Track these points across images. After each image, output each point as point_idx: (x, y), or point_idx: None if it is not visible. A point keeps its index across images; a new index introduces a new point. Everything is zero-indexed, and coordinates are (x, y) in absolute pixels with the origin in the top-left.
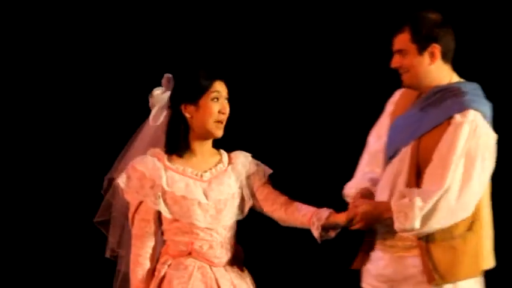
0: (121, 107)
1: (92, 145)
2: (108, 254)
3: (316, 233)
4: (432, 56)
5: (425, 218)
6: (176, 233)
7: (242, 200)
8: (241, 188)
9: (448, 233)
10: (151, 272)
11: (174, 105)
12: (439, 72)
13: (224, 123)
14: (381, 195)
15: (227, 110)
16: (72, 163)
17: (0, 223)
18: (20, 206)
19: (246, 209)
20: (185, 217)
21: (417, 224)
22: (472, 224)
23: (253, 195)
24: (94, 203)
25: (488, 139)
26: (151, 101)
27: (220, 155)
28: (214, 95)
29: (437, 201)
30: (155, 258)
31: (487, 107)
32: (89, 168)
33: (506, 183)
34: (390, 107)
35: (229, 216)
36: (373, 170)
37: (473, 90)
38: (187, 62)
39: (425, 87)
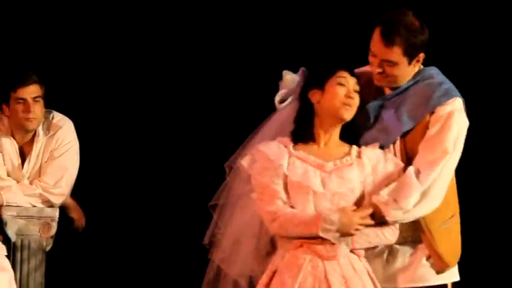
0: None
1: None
2: (207, 240)
3: None
4: (417, 62)
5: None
6: None
7: (361, 196)
8: (362, 183)
9: (440, 219)
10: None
11: (303, 92)
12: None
13: (353, 108)
14: None
15: (354, 97)
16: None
17: (127, 212)
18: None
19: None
20: (298, 204)
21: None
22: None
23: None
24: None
25: (465, 126)
26: (281, 84)
27: (350, 148)
28: (340, 80)
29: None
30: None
31: None
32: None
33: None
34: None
35: None
36: None
37: (441, 75)
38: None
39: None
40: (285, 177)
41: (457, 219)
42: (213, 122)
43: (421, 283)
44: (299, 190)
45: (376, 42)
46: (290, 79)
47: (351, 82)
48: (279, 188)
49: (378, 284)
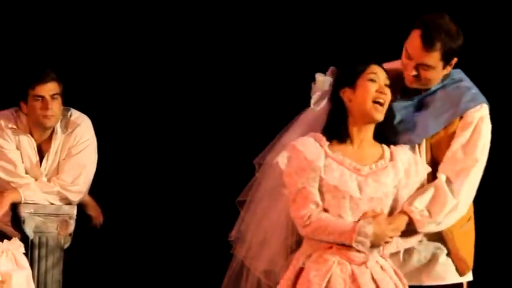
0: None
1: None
2: (233, 236)
3: None
4: (450, 66)
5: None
6: None
7: (395, 200)
8: (396, 187)
9: (459, 222)
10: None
11: (335, 91)
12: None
13: (384, 107)
14: None
15: (386, 92)
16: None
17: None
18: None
19: (397, 212)
20: (334, 208)
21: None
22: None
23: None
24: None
25: (490, 132)
26: (313, 86)
27: (382, 149)
28: (370, 76)
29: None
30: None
31: None
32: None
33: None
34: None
35: None
36: None
37: (468, 79)
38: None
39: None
40: (321, 179)
41: (472, 222)
42: (243, 119)
43: (438, 281)
44: (335, 194)
45: (414, 46)
46: (322, 81)
47: (382, 77)
48: (314, 190)
49: (404, 280)
